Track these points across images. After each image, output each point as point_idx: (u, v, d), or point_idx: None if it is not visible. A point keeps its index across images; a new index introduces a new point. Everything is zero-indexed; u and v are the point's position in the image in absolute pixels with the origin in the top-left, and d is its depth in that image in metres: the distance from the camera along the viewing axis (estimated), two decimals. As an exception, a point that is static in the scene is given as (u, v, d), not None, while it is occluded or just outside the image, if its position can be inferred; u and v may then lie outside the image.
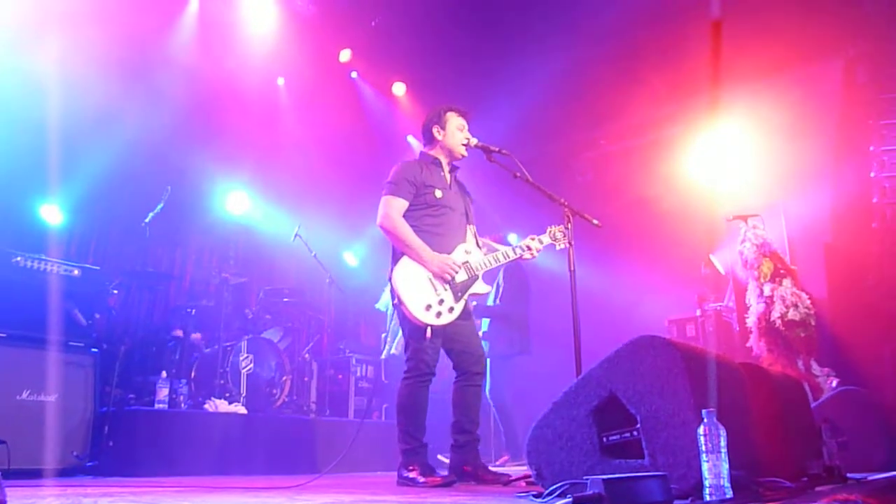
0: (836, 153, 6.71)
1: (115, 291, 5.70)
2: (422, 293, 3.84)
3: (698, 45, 6.49)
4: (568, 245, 3.86)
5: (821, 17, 6.43)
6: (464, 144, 4.15)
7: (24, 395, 4.26)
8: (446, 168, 4.22)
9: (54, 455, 4.28)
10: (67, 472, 4.34)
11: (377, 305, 7.43)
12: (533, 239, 4.16)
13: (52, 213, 6.29)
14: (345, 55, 8.60)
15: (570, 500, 1.82)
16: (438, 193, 4.06)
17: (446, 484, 3.64)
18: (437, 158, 4.21)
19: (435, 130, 4.20)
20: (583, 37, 7.11)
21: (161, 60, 6.70)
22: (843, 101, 6.84)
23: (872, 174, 6.35)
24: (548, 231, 4.19)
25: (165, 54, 6.84)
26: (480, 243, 4.24)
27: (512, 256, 4.10)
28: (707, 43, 6.35)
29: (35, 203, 6.18)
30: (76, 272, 4.76)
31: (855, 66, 6.87)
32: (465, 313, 4.02)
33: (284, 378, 6.20)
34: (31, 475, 4.06)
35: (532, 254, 4.13)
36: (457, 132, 4.18)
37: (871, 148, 6.40)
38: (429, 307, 3.82)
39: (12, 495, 2.63)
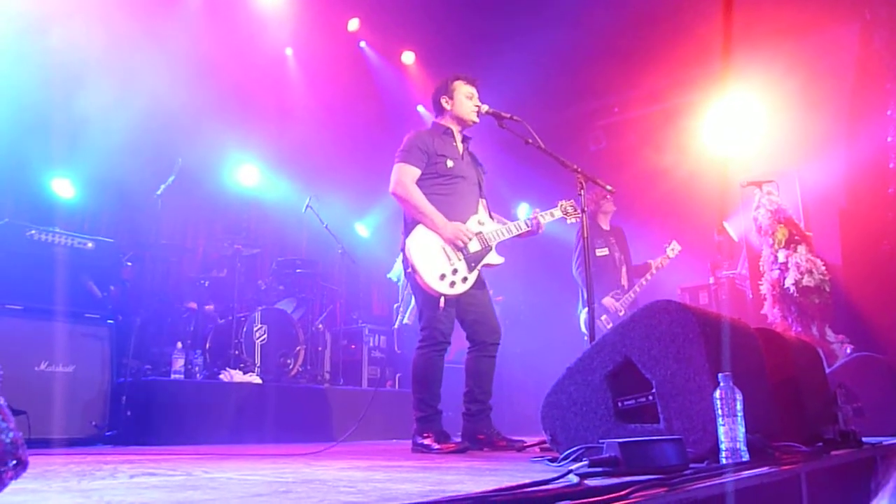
0: (851, 118, 6.63)
1: (129, 263, 5.72)
2: (436, 262, 3.83)
3: (712, 11, 6.40)
4: (581, 213, 3.85)
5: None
6: (474, 111, 4.13)
7: (43, 366, 4.30)
8: (458, 138, 4.19)
9: (73, 425, 4.34)
10: (86, 442, 4.39)
11: (389, 275, 7.44)
12: (542, 215, 4.15)
13: (65, 187, 6.30)
14: (353, 24, 8.53)
15: (587, 463, 1.83)
16: (450, 163, 4.04)
17: (461, 450, 3.67)
18: (448, 128, 4.18)
19: (443, 101, 4.18)
20: (595, 4, 7.01)
21: (169, 32, 6.66)
22: (859, 65, 6.75)
23: (889, 139, 6.28)
24: (559, 205, 4.21)
25: (173, 25, 6.79)
26: (492, 216, 4.23)
27: (523, 229, 4.12)
28: (720, 8, 6.26)
29: (47, 177, 6.19)
30: (90, 245, 4.77)
31: (871, 31, 6.76)
32: (480, 283, 4.02)
33: (298, 348, 6.24)
34: (51, 444, 4.12)
35: (541, 227, 4.16)
36: (465, 101, 4.14)
37: (888, 112, 6.32)
38: (443, 276, 3.82)
39: (34, 463, 2.67)
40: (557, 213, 4.19)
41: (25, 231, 4.44)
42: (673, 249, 6.25)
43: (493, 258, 4.03)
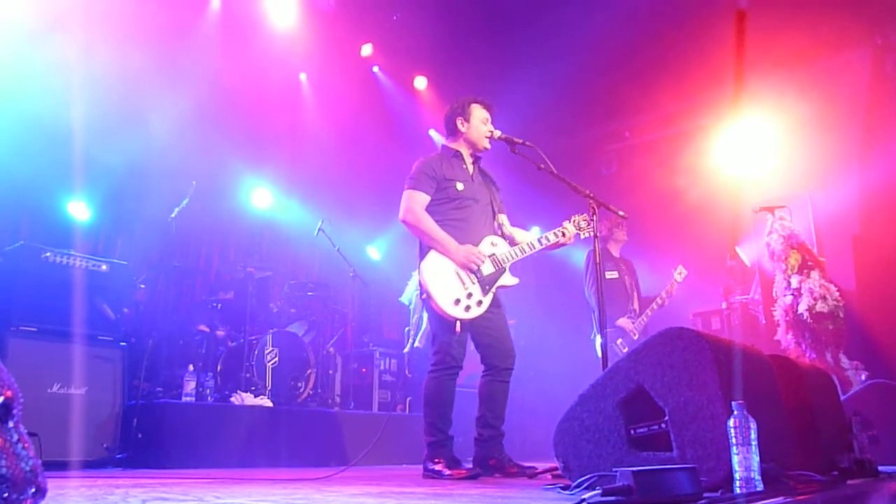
0: (864, 143, 6.63)
1: (143, 286, 5.76)
2: (450, 287, 3.83)
3: (724, 36, 6.42)
4: (593, 235, 3.84)
5: (848, 7, 6.34)
6: (487, 137, 4.13)
7: (55, 388, 4.31)
8: (468, 160, 4.20)
9: (84, 447, 4.34)
10: (97, 464, 4.39)
11: (400, 299, 7.45)
12: (556, 233, 4.11)
13: (80, 210, 6.37)
14: (366, 50, 8.63)
15: (600, 491, 1.81)
16: (460, 186, 4.04)
17: (472, 476, 3.64)
18: (458, 151, 4.19)
19: (459, 122, 4.17)
20: (607, 28, 7.05)
21: (184, 57, 6.75)
22: (871, 90, 6.76)
23: (902, 164, 6.26)
24: (572, 220, 4.13)
25: (189, 50, 6.89)
26: (508, 231, 4.20)
27: (537, 247, 4.05)
28: (733, 32, 6.29)
29: (63, 199, 6.26)
30: (104, 267, 4.81)
31: (883, 56, 6.78)
32: (496, 306, 3.99)
33: (309, 371, 6.23)
34: (62, 467, 4.12)
35: (556, 243, 4.09)
36: (481, 125, 4.15)
37: (901, 137, 6.31)
38: (457, 301, 3.81)
39: (46, 486, 2.67)
40: (571, 228, 4.10)
41: (41, 253, 4.48)
42: (680, 273, 6.15)
43: (508, 280, 4.00)
